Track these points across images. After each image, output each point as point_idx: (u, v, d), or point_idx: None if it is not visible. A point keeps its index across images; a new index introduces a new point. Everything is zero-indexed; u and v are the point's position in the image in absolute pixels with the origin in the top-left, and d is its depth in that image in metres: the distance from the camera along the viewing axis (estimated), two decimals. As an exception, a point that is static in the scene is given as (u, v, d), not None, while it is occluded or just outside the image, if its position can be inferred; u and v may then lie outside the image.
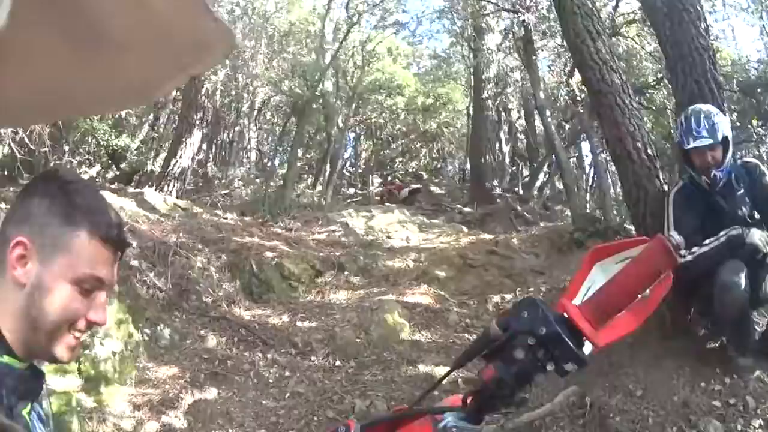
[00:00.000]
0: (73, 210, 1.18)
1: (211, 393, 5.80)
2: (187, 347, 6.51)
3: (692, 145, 4.51)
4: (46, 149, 10.21)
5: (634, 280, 1.37)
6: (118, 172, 13.92)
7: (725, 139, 4.49)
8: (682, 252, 4.32)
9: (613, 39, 10.94)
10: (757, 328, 4.98)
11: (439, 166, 26.22)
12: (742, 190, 4.68)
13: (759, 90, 11.16)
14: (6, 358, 1.12)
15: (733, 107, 10.93)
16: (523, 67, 15.98)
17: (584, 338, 1.26)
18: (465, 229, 13.35)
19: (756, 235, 4.38)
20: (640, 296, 1.39)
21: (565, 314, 1.27)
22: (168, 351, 6.35)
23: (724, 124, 4.51)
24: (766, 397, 4.52)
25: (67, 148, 12.46)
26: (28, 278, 1.15)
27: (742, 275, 4.32)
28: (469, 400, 1.33)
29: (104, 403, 5.25)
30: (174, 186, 11.61)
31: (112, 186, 9.99)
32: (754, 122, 11.29)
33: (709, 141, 4.44)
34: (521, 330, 1.23)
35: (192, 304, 7.21)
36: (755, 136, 11.55)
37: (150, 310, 6.62)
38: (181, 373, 5.99)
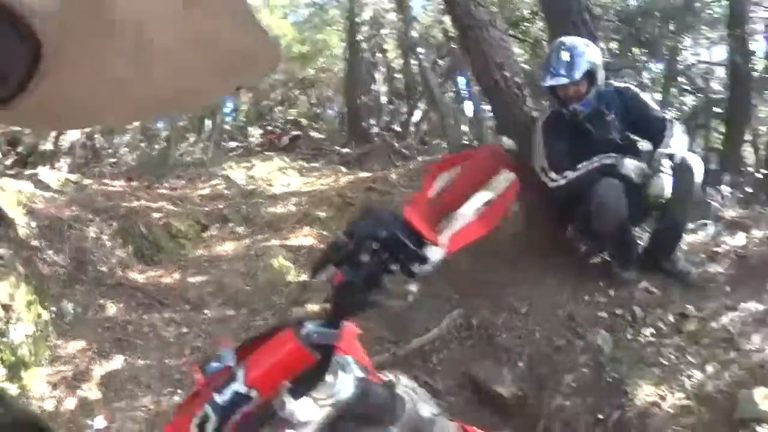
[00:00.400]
0: None
1: (118, 361, 5.96)
2: (90, 319, 6.61)
3: (548, 83, 4.58)
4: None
5: (464, 181, 1.43)
6: (16, 156, 13.52)
7: (587, 73, 4.52)
8: (553, 176, 4.74)
9: None
10: (639, 242, 5.10)
11: (318, 111, 25.95)
12: (612, 116, 4.73)
13: (639, 19, 11.14)
14: None
15: (612, 36, 11.25)
16: (396, 8, 16.13)
17: (425, 239, 1.28)
18: (344, 170, 13.55)
19: (629, 166, 4.47)
20: (485, 201, 1.42)
21: (406, 217, 1.28)
22: (73, 325, 6.44)
23: (586, 59, 4.51)
24: (654, 306, 4.61)
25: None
26: None
27: (620, 192, 4.42)
28: (326, 307, 1.35)
29: (27, 388, 5.39)
30: (65, 162, 11.49)
31: (10, 171, 9.76)
32: (635, 50, 11.50)
33: (565, 80, 4.50)
34: (364, 234, 1.26)
35: (90, 275, 7.27)
36: (637, 64, 11.65)
37: (53, 288, 6.68)
38: (88, 345, 6.12)
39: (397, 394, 1.57)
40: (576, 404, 4.10)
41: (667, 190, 4.38)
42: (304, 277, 7.53)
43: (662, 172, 4.38)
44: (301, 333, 1.31)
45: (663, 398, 3.81)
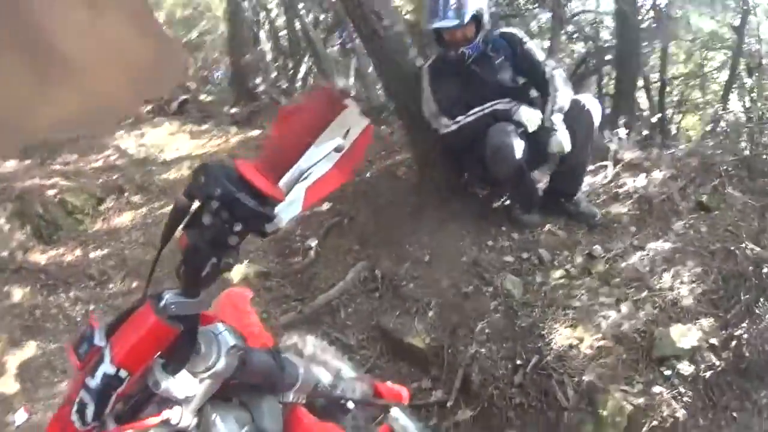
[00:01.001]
0: None
1: (30, 348, 5.83)
2: None
3: (435, 25, 4.42)
4: None
5: (300, 128, 1.37)
6: None
7: (476, 16, 4.38)
8: (444, 121, 4.63)
9: None
10: (540, 185, 5.08)
11: (206, 74, 25.32)
12: (502, 58, 4.62)
13: None
14: None
15: None
16: None
17: (266, 194, 1.22)
18: (234, 130, 13.24)
19: (524, 114, 4.37)
20: (335, 147, 1.36)
21: (242, 173, 1.22)
22: None
23: (474, 2, 4.34)
24: (560, 248, 4.64)
25: None
26: None
27: (513, 135, 4.32)
28: (180, 274, 1.33)
29: None
30: (-47, 146, 10.74)
31: None
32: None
33: (455, 22, 4.35)
34: (203, 195, 1.21)
35: None
36: (522, 11, 11.54)
37: None
38: None
39: (285, 359, 1.60)
40: (492, 351, 4.07)
41: (567, 145, 4.37)
42: None
43: (556, 130, 4.37)
44: (159, 306, 1.31)
45: (580, 340, 3.84)
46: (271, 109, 14.63)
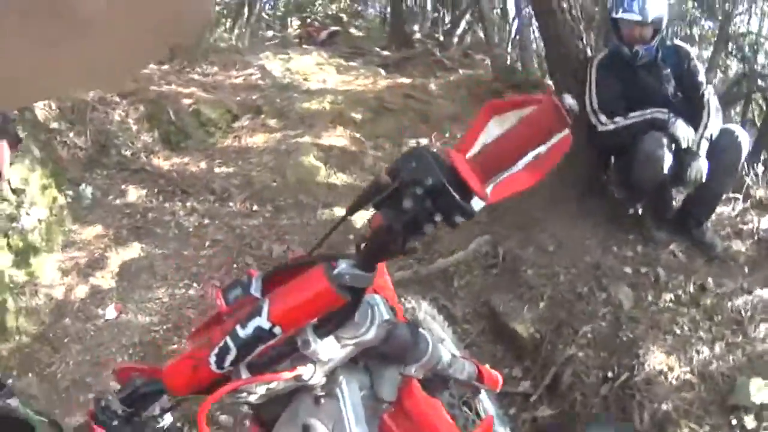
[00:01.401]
0: None
1: (134, 249, 5.77)
2: (109, 204, 6.39)
3: (619, 15, 4.46)
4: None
5: (522, 139, 1.33)
6: None
7: (657, 20, 4.43)
8: (603, 119, 4.65)
9: None
10: (674, 203, 5.03)
11: (359, 8, 25.33)
12: (668, 70, 4.63)
13: None
14: None
15: None
16: None
17: (472, 191, 1.23)
18: (383, 73, 12.90)
19: (680, 128, 4.36)
20: (535, 154, 1.36)
21: (454, 165, 1.23)
22: (91, 210, 6.22)
23: (658, 5, 4.42)
24: (678, 271, 4.59)
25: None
26: None
27: (665, 148, 4.32)
28: (361, 248, 1.32)
29: (35, 275, 5.18)
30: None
31: None
32: (690, 4, 11.46)
33: (638, 18, 4.37)
34: (409, 180, 1.21)
35: (112, 159, 7.00)
36: (688, 16, 11.62)
37: (72, 171, 6.41)
38: (105, 231, 5.92)
39: (420, 334, 1.62)
40: (589, 357, 4.12)
41: (704, 174, 4.34)
42: (334, 179, 7.30)
43: (699, 156, 4.35)
44: (333, 273, 1.28)
45: (671, 369, 3.86)
46: (423, 58, 14.47)
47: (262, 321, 1.27)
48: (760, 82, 10.47)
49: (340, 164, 7.64)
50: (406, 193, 1.20)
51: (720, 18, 10.78)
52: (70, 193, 6.18)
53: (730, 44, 11.24)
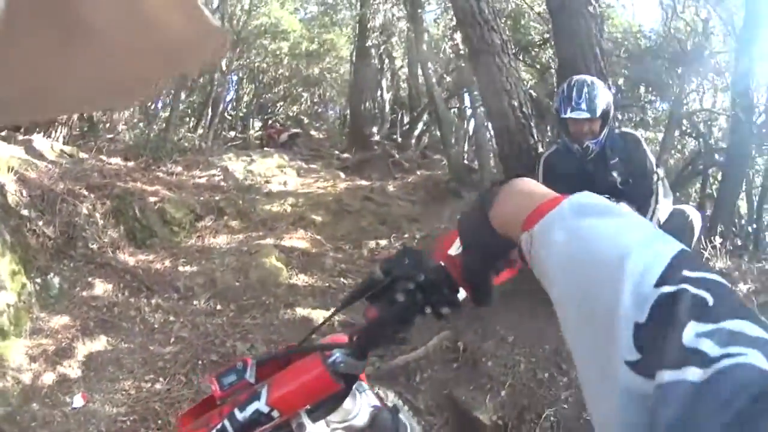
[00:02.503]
0: None
1: (101, 341, 5.90)
2: (76, 295, 6.53)
3: (569, 115, 4.55)
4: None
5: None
6: None
7: (605, 113, 4.54)
8: None
9: None
10: None
11: (320, 111, 25.98)
12: (616, 159, 4.72)
13: (649, 58, 11.44)
14: None
15: (623, 72, 11.47)
16: (408, 18, 15.88)
17: (458, 285, 1.32)
18: (342, 175, 13.53)
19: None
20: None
21: (442, 263, 1.32)
22: (58, 300, 6.36)
23: (604, 98, 4.55)
24: None
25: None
26: None
27: None
28: (354, 338, 1.43)
29: (3, 358, 5.29)
30: (61, 132, 11.18)
31: (2, 134, 9.69)
32: (642, 89, 11.78)
33: (586, 115, 4.50)
34: (402, 275, 1.30)
35: (79, 251, 7.19)
36: (641, 101, 11.97)
37: (40, 259, 6.59)
38: (72, 322, 6.05)
39: (400, 420, 1.71)
40: None
41: None
42: (296, 279, 7.52)
43: None
44: (329, 361, 1.44)
45: None
46: (382, 160, 14.95)
47: (261, 405, 1.40)
48: (716, 156, 10.75)
49: (302, 265, 7.92)
50: (398, 288, 1.30)
51: (672, 98, 11.12)
52: (39, 281, 6.29)
53: (685, 122, 11.60)
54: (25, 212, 6.89)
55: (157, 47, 0.68)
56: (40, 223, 6.99)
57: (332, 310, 1.76)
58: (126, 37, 0.65)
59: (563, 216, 0.84)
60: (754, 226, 9.61)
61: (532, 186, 1.08)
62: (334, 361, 1.45)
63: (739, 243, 7.84)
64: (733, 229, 8.86)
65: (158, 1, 0.62)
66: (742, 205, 10.93)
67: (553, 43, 8.54)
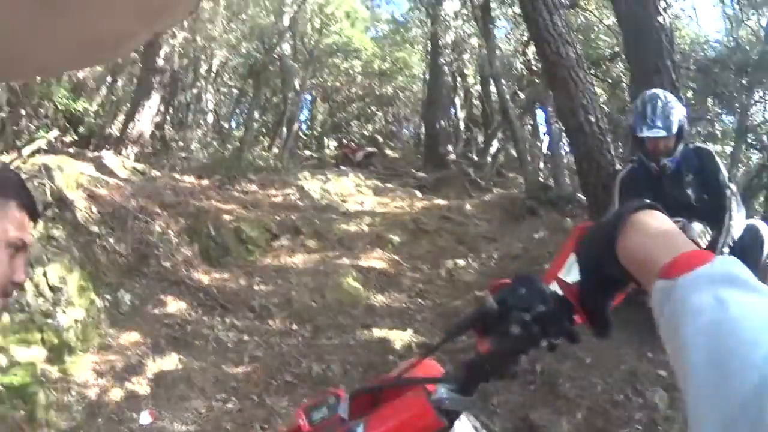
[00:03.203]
0: (5, 186, 1.33)
1: (172, 358, 5.86)
2: (147, 312, 6.53)
3: (645, 134, 4.52)
4: (4, 115, 9.99)
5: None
6: (76, 137, 13.65)
7: (679, 129, 4.50)
8: None
9: (571, 11, 10.98)
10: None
11: (394, 129, 26.14)
12: (691, 176, 4.70)
13: (716, 69, 11.16)
14: None
15: (690, 84, 11.15)
16: (480, 34, 15.78)
17: (574, 315, 1.25)
18: (419, 194, 13.38)
19: (696, 230, 4.40)
20: None
21: (560, 292, 1.25)
22: (129, 317, 6.36)
23: (679, 114, 4.51)
24: None
25: (24, 113, 12.17)
26: None
27: None
28: (461, 372, 1.36)
29: (68, 373, 5.28)
30: (132, 149, 11.37)
31: (70, 150, 9.84)
32: (710, 101, 11.51)
33: (663, 133, 4.47)
34: (518, 306, 1.24)
35: (152, 269, 7.19)
36: (710, 115, 11.72)
37: (110, 276, 6.59)
38: (142, 338, 6.03)
39: None
40: None
41: None
42: (373, 300, 7.41)
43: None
44: (434, 398, 1.34)
45: None
46: (458, 178, 14.83)
47: None
48: None
49: (379, 286, 7.79)
50: (513, 319, 1.23)
51: (738, 111, 11.00)
52: (108, 297, 6.32)
53: (749, 136, 11.42)
54: (94, 229, 6.91)
55: (133, 5, 0.70)
56: (111, 240, 7.02)
57: (439, 338, 1.54)
58: None
59: (713, 279, 0.81)
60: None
61: (670, 227, 1.03)
62: (439, 397, 1.34)
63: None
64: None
65: None
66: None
67: (624, 56, 8.48)
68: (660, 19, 5.77)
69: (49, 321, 5.36)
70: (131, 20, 0.72)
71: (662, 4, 5.90)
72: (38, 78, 11.84)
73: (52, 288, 5.55)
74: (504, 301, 1.25)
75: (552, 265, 1.38)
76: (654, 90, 4.68)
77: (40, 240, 5.89)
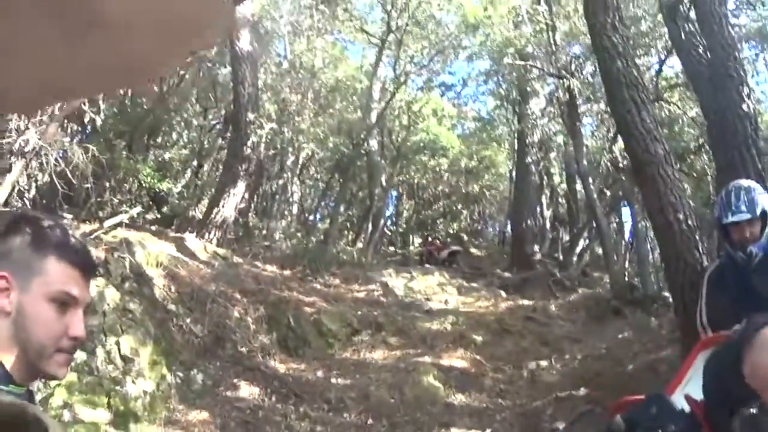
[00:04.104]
0: (44, 241, 1.32)
1: None
2: (219, 394, 6.54)
3: (730, 219, 4.43)
4: (89, 185, 10.34)
5: None
6: (158, 215, 14.09)
7: (764, 213, 4.41)
8: (709, 333, 4.35)
9: (656, 104, 11.02)
10: None
11: (479, 228, 26.27)
12: None
13: None
14: (10, 387, 1.22)
15: None
16: (566, 132, 16.15)
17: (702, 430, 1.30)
18: (503, 294, 13.36)
19: None
20: None
21: (687, 408, 1.34)
22: (200, 396, 6.37)
23: (763, 199, 4.44)
24: None
25: (108, 185, 12.69)
26: (12, 306, 1.26)
27: None
28: None
29: None
30: (215, 234, 11.67)
31: (152, 228, 10.16)
32: None
33: (747, 216, 4.38)
34: (650, 426, 1.31)
35: (227, 352, 7.24)
36: None
37: (184, 354, 6.67)
38: (211, 418, 6.01)
39: None
40: None
41: None
42: (453, 399, 7.30)
43: None
44: None
45: None
46: (543, 278, 14.83)
47: None
48: None
49: (460, 385, 7.66)
50: None
51: None
52: (181, 375, 6.36)
53: None
54: (172, 307, 7.03)
55: (167, 26, 0.70)
56: (188, 320, 7.10)
57: None
58: (134, 18, 0.65)
59: None
60: None
61: None
62: None
63: None
64: None
65: None
66: None
67: (708, 148, 8.35)
68: (744, 106, 5.79)
69: (118, 388, 5.42)
70: (169, 41, 0.72)
71: (745, 91, 5.93)
72: (123, 154, 12.47)
73: (123, 358, 5.65)
74: (633, 420, 1.33)
75: (675, 377, 1.60)
76: (739, 180, 4.68)
77: (116, 311, 6.02)
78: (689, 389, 1.41)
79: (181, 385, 6.28)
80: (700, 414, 1.29)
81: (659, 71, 13.40)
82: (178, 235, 9.91)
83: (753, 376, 1.06)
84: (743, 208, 4.37)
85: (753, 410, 4.52)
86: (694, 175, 13.20)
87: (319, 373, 7.64)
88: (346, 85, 19.17)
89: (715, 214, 4.68)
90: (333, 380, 7.48)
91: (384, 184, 17.41)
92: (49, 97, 1.06)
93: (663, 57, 13.12)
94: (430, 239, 20.15)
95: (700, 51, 6.60)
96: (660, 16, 9.44)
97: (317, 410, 6.64)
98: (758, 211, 4.34)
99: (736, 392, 1.14)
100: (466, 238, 22.75)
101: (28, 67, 0.67)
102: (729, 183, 4.64)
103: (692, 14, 7.01)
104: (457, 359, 8.55)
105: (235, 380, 6.82)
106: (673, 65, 13.45)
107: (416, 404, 6.95)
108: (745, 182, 4.58)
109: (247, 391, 6.72)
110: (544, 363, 8.44)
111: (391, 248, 20.50)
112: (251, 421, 6.15)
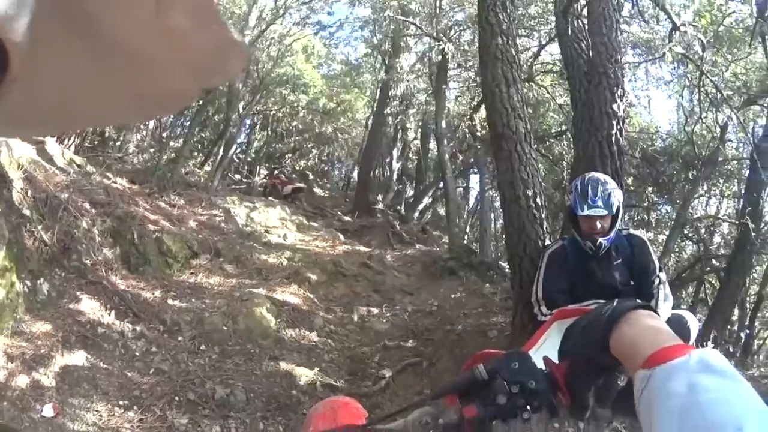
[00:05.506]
0: None
1: (80, 356, 5.85)
2: (62, 306, 6.49)
3: (586, 212, 4.61)
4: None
5: None
6: None
7: (617, 211, 4.63)
8: (543, 309, 4.83)
9: (527, 84, 11.39)
10: (618, 382, 5.29)
11: (326, 169, 26.30)
12: (620, 260, 4.81)
13: (661, 159, 11.82)
14: None
15: (632, 171, 11.74)
16: (430, 92, 16.32)
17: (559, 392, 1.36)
18: (342, 237, 13.59)
19: None
20: None
21: (548, 370, 1.37)
22: (44, 307, 6.32)
23: (617, 196, 4.65)
24: None
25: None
26: None
27: None
28: None
29: None
30: (74, 140, 11.29)
31: None
32: (649, 189, 12.22)
33: (604, 212, 4.58)
34: (509, 379, 1.33)
35: (72, 263, 7.16)
36: (647, 202, 12.43)
37: (32, 263, 6.56)
38: (54, 331, 6.00)
39: None
40: None
41: None
42: (283, 333, 7.50)
43: None
44: None
45: None
46: (383, 228, 15.05)
47: None
48: (714, 262, 11.12)
49: (291, 320, 7.90)
50: (499, 389, 1.33)
51: (678, 202, 11.44)
52: (28, 283, 6.26)
53: (687, 228, 11.90)
54: (26, 212, 6.89)
55: (183, 61, 0.71)
56: (40, 227, 6.98)
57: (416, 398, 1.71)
58: (151, 50, 0.67)
59: (688, 368, 0.91)
60: (746, 332, 9.80)
61: (661, 325, 1.14)
62: None
63: (730, 350, 8.06)
64: (725, 337, 9.16)
65: (182, 16, 0.65)
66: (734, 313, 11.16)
67: (570, 136, 8.69)
68: (615, 106, 5.97)
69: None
70: (185, 77, 0.73)
71: (619, 92, 6.11)
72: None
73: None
74: (494, 372, 1.35)
75: (528, 342, 1.58)
76: (595, 173, 4.84)
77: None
78: (544, 353, 1.45)
79: (28, 295, 6.21)
80: (560, 377, 1.35)
81: (537, 54, 13.68)
82: (41, 139, 9.62)
83: (618, 346, 1.12)
84: (600, 203, 4.57)
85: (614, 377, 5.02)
86: (551, 158, 13.66)
87: (157, 293, 7.73)
88: (224, 8, 18.60)
89: (568, 201, 4.87)
90: (170, 301, 7.60)
91: (241, 111, 17.19)
92: (72, 122, 1.11)
93: (544, 42, 13.34)
94: (276, 172, 19.83)
95: (583, 46, 6.77)
96: (552, 5, 9.61)
97: (153, 330, 6.78)
98: (613, 209, 4.59)
99: (600, 360, 1.22)
100: (311, 177, 22.64)
101: (55, 92, 0.68)
102: (584, 174, 4.84)
103: (585, 12, 7.16)
104: (290, 295, 8.75)
105: (78, 293, 6.80)
106: (553, 53, 13.68)
107: (248, 335, 7.17)
108: (601, 176, 4.77)
109: (89, 305, 6.72)
110: (375, 310, 8.82)
111: (237, 176, 20.23)
112: (90, 336, 6.22)
